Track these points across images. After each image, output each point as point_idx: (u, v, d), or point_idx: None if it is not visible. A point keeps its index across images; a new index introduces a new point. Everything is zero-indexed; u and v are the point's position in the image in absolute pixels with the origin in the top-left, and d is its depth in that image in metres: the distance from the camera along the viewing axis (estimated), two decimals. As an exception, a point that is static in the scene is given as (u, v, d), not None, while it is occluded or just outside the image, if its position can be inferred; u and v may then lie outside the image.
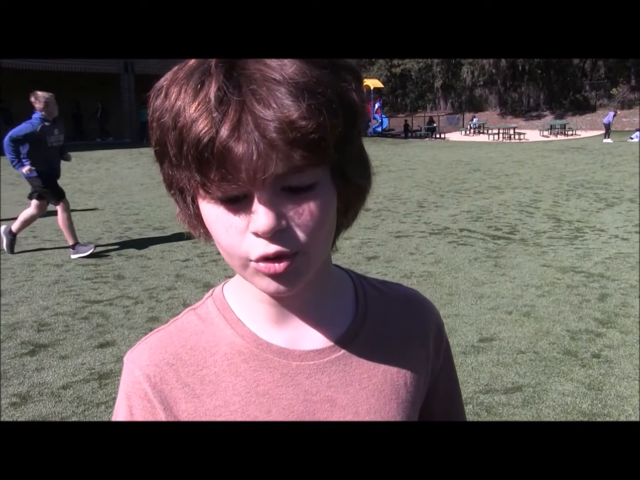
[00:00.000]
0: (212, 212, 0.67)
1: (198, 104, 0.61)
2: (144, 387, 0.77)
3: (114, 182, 14.57)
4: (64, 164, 7.58)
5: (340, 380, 0.79)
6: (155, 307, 5.54)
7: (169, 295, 5.90)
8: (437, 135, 33.75)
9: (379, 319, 0.84)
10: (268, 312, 0.78)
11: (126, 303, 5.69)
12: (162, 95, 0.66)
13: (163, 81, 0.67)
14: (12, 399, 3.85)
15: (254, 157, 0.60)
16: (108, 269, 6.89)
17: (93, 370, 4.26)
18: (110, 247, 7.97)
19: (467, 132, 36.16)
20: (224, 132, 0.60)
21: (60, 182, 7.46)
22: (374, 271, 6.69)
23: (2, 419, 3.60)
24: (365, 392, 0.80)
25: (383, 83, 39.40)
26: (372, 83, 33.45)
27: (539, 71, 43.01)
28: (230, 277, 0.85)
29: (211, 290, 0.85)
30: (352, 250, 7.60)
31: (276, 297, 0.76)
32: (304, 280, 0.70)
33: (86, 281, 6.41)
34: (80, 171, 16.39)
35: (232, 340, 0.78)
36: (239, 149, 0.60)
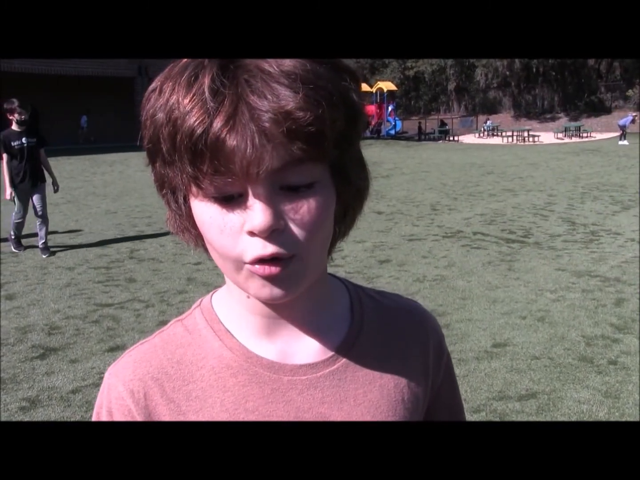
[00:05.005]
0: (205, 211, 0.64)
1: (192, 96, 0.60)
2: (128, 403, 0.74)
3: (127, 185, 14.60)
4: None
5: (334, 396, 0.75)
6: (166, 311, 5.52)
7: (180, 298, 5.88)
8: (451, 138, 33.61)
9: (376, 331, 0.80)
10: (259, 324, 0.74)
11: (137, 306, 5.68)
12: (157, 93, 0.64)
13: (157, 81, 0.66)
14: (22, 403, 3.84)
15: (248, 150, 0.58)
16: (119, 272, 6.89)
17: (103, 375, 4.22)
18: (122, 250, 7.98)
19: (481, 134, 36.01)
20: (218, 123, 0.58)
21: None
22: (386, 275, 6.65)
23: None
24: (361, 409, 0.75)
25: (396, 85, 39.37)
26: (386, 85, 33.48)
27: (554, 73, 42.78)
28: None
29: (199, 300, 0.81)
30: (365, 254, 7.56)
31: (269, 305, 0.72)
32: (300, 287, 0.67)
33: (97, 284, 6.42)
34: (94, 174, 16.48)
35: (220, 354, 0.74)
36: (232, 140, 0.58)
